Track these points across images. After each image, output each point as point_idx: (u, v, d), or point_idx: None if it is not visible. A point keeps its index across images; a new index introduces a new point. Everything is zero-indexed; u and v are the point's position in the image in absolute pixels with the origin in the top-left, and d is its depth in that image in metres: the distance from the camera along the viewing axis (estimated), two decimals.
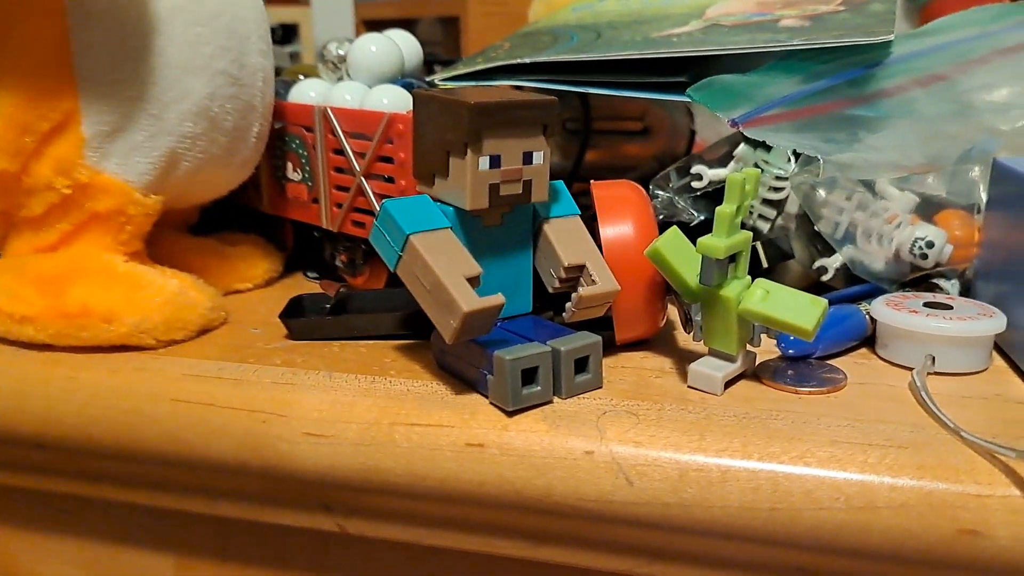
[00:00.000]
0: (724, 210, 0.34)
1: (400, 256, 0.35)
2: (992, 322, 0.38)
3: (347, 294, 0.44)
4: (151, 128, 0.41)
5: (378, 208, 0.44)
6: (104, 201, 0.41)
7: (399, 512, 0.36)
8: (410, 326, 0.42)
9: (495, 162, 0.35)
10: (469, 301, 0.33)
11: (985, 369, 0.39)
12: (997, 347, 0.40)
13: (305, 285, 0.51)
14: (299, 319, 0.42)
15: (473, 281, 0.34)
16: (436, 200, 0.36)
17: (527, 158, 0.35)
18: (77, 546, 0.45)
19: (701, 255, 0.34)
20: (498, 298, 0.34)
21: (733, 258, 0.35)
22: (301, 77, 0.53)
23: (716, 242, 0.34)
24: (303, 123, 0.47)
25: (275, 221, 0.53)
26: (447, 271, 0.33)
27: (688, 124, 0.63)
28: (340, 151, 0.45)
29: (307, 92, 0.49)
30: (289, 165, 0.49)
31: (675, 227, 0.36)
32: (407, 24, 0.91)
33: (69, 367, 0.39)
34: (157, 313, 0.40)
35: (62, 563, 0.45)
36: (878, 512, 0.31)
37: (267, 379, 0.38)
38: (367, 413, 0.36)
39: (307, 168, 0.48)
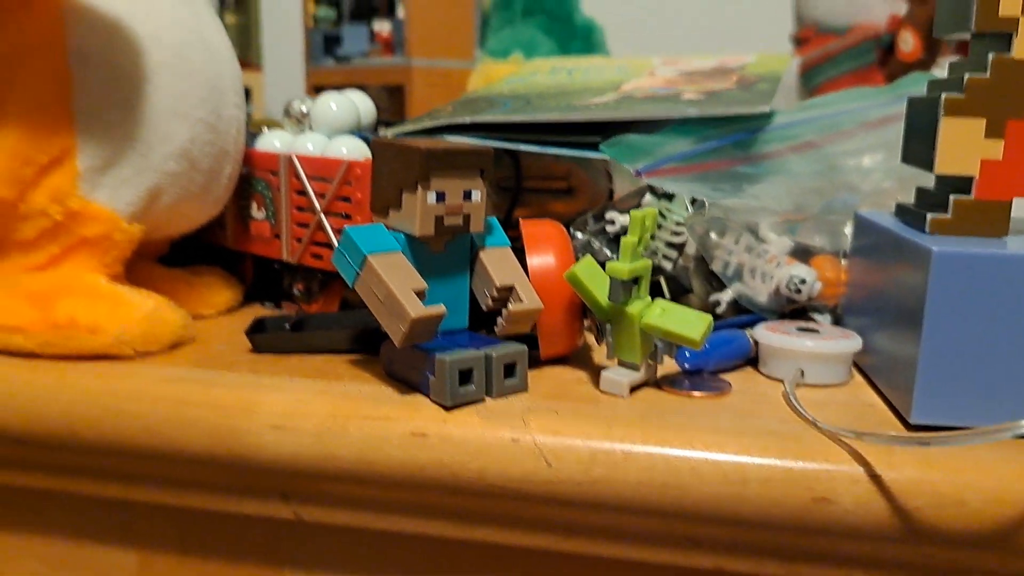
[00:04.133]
0: (628, 240, 0.41)
1: (358, 274, 0.41)
2: (850, 342, 0.45)
3: (305, 315, 0.50)
4: (138, 165, 0.47)
5: (335, 240, 0.50)
6: (93, 227, 0.46)
7: (350, 498, 0.41)
8: (361, 342, 0.48)
9: (440, 197, 0.41)
10: (416, 309, 0.39)
11: (846, 383, 0.46)
12: (858, 367, 0.48)
13: (262, 314, 0.57)
14: (262, 334, 0.48)
15: (420, 295, 0.40)
16: (390, 229, 0.43)
17: (467, 195, 0.42)
18: (43, 543, 0.49)
19: (609, 277, 0.42)
20: (440, 308, 0.40)
21: (636, 281, 0.42)
22: (264, 129, 0.60)
23: (621, 266, 0.41)
24: (269, 168, 0.54)
25: (236, 256, 0.59)
26: (398, 285, 0.40)
27: (608, 185, 0.71)
28: (302, 192, 0.52)
29: (272, 142, 0.55)
30: (254, 205, 0.55)
31: (588, 256, 0.43)
32: None
33: (56, 372, 0.44)
34: (136, 326, 0.46)
35: (28, 559, 0.49)
36: (749, 485, 0.37)
37: (235, 382, 0.43)
38: (323, 408, 0.41)
39: (271, 207, 0.54)
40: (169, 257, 0.58)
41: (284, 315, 0.50)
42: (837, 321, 0.52)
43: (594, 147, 0.51)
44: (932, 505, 0.36)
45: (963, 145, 0.41)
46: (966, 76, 0.40)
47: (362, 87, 0.99)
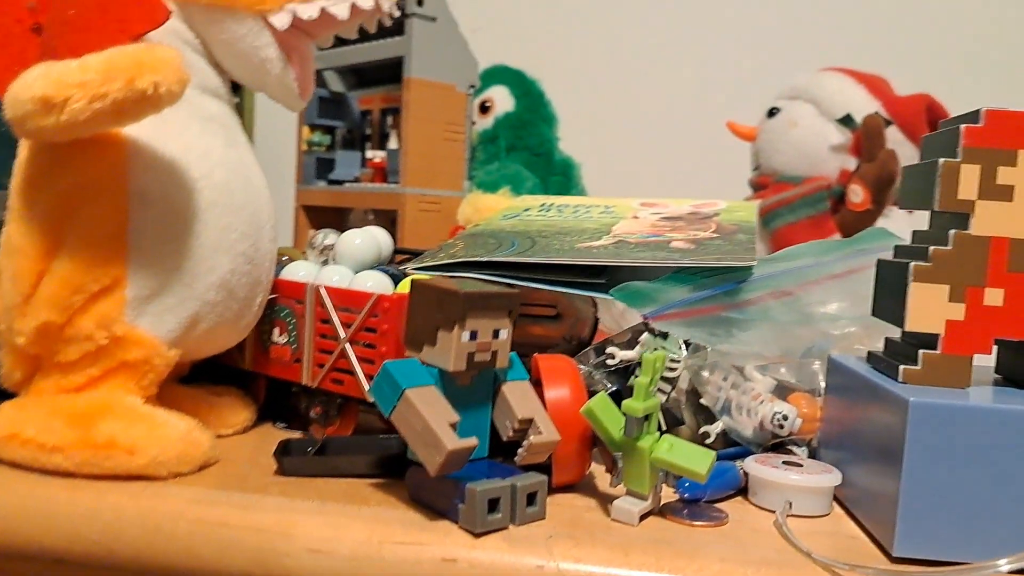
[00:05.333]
0: (641, 381, 0.46)
1: (395, 405, 0.44)
2: (831, 477, 0.50)
3: (326, 440, 0.53)
4: (182, 295, 0.50)
5: (359, 368, 0.54)
6: (134, 352, 0.49)
7: None
8: (383, 467, 0.51)
9: (473, 336, 0.46)
10: (452, 441, 0.43)
11: (828, 514, 0.51)
12: (836, 499, 0.53)
13: (275, 433, 0.60)
14: (289, 457, 0.51)
15: (453, 427, 0.44)
16: (424, 363, 0.46)
17: (495, 334, 0.47)
18: None
19: (625, 414, 0.46)
20: (473, 440, 0.44)
21: (647, 418, 0.47)
22: (284, 258, 0.64)
23: (636, 405, 0.46)
24: (294, 296, 0.57)
25: (249, 377, 0.62)
26: (434, 418, 0.43)
27: (592, 312, 0.76)
28: (327, 321, 0.55)
29: (297, 271, 0.59)
30: (276, 330, 0.58)
31: (603, 393, 0.48)
32: (342, 212, 1.03)
33: (94, 492, 0.46)
34: (172, 448, 0.48)
35: None
36: None
37: (271, 505, 0.46)
38: (359, 533, 0.44)
39: (293, 333, 0.57)
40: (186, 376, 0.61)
41: (306, 439, 0.53)
42: (812, 454, 0.57)
43: (599, 287, 0.56)
44: None
45: (930, 307, 0.47)
46: (931, 248, 0.47)
47: (349, 210, 1.04)
